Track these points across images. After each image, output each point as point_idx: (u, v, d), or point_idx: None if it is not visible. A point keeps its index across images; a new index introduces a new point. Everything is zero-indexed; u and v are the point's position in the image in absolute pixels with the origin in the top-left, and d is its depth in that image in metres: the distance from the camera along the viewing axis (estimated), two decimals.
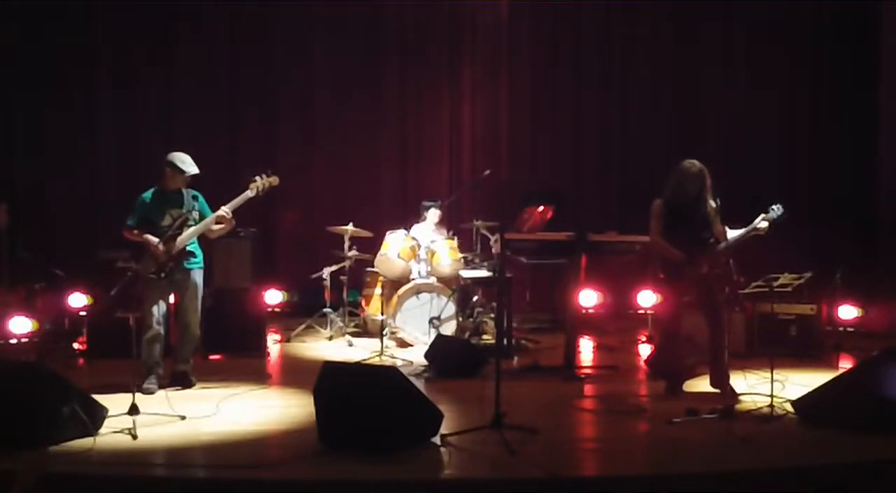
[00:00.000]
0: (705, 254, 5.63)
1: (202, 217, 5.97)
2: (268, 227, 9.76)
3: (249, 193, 5.96)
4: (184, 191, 5.97)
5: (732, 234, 5.72)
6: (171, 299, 6.18)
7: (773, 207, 5.63)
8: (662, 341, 6.30)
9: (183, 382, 6.00)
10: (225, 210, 5.89)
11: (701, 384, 5.94)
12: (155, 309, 5.88)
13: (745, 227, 5.68)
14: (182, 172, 5.92)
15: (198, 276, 6.04)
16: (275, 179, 6.04)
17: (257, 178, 6.00)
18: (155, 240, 5.81)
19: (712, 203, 5.73)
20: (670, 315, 5.86)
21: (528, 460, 4.28)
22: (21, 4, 9.47)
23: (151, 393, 5.71)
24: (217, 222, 5.94)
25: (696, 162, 5.70)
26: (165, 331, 6.09)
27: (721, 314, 5.73)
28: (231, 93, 10.17)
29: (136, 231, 5.87)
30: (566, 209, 8.49)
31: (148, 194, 5.98)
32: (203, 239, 6.12)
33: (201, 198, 6.05)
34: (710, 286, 5.68)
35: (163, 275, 5.81)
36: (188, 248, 5.91)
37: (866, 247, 9.40)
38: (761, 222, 5.61)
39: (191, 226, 5.91)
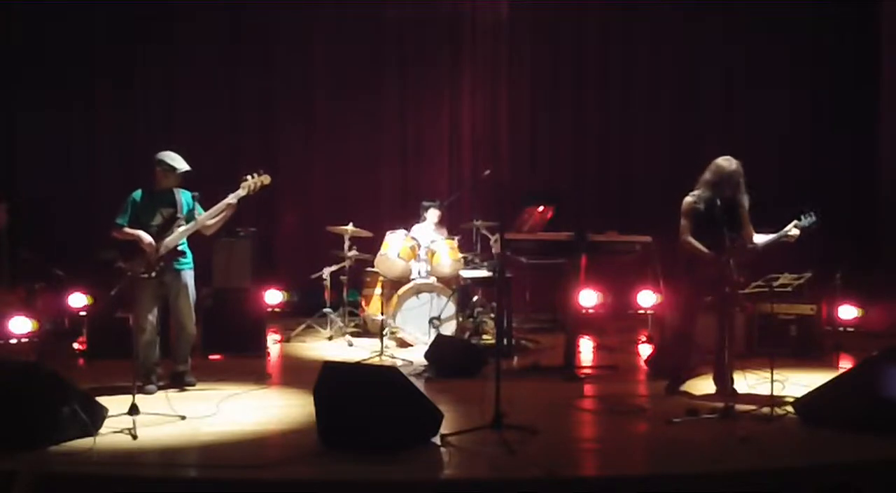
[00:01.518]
0: (735, 255, 5.41)
1: (193, 217, 5.92)
2: (268, 227, 9.76)
3: (241, 192, 5.91)
4: (174, 190, 5.93)
5: (760, 238, 5.57)
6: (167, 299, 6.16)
7: (806, 214, 5.45)
8: (672, 339, 6.22)
9: (182, 382, 5.98)
10: (231, 200, 5.83)
11: (701, 384, 5.94)
12: (147, 311, 5.84)
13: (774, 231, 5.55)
14: (174, 169, 5.89)
15: (188, 276, 5.98)
16: (266, 178, 5.97)
17: (248, 177, 5.94)
18: (148, 237, 5.78)
19: (745, 203, 5.61)
20: (686, 313, 5.80)
21: (527, 460, 4.28)
22: (21, 4, 9.47)
23: (151, 393, 5.71)
24: (219, 213, 5.87)
25: (731, 159, 5.59)
26: (164, 331, 6.08)
27: (732, 314, 5.69)
28: (231, 93, 10.17)
29: (126, 230, 5.81)
30: (566, 209, 8.48)
31: (137, 194, 5.92)
32: (200, 238, 6.07)
33: (189, 196, 5.97)
34: (730, 287, 5.58)
35: (153, 274, 5.74)
36: (179, 247, 5.87)
37: (866, 247, 9.39)
38: (792, 229, 5.46)
39: (181, 226, 5.87)
